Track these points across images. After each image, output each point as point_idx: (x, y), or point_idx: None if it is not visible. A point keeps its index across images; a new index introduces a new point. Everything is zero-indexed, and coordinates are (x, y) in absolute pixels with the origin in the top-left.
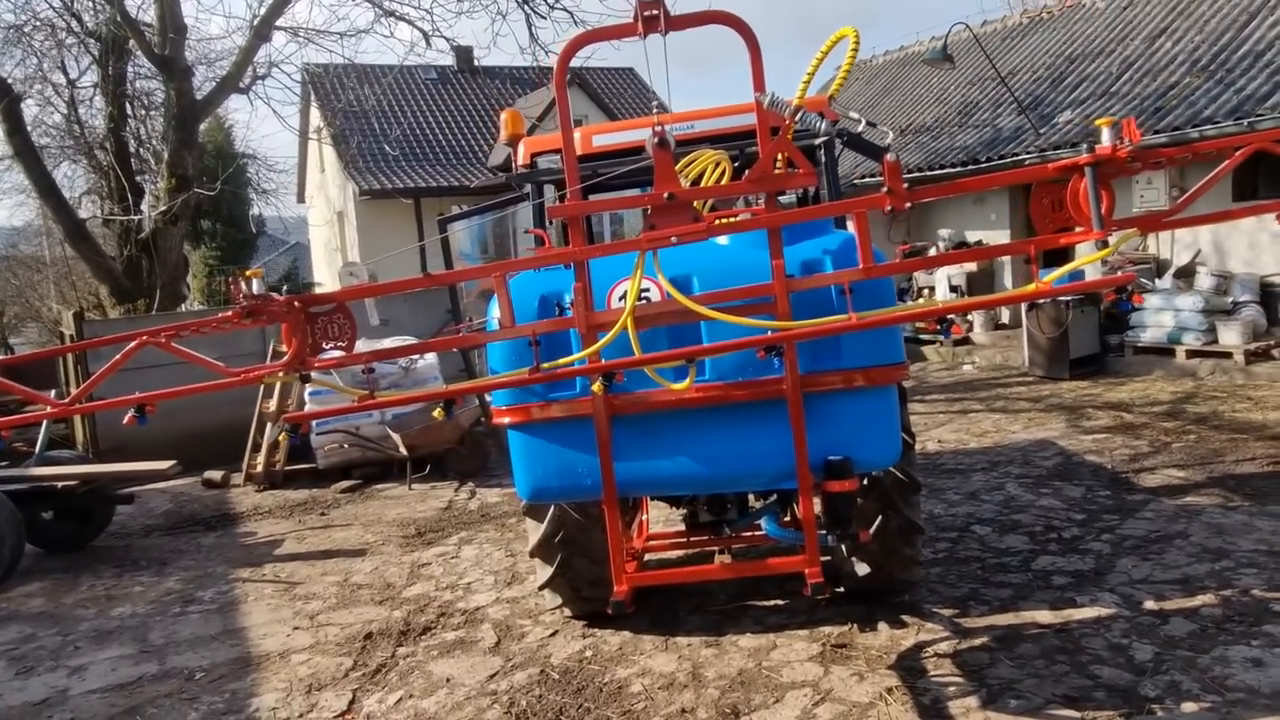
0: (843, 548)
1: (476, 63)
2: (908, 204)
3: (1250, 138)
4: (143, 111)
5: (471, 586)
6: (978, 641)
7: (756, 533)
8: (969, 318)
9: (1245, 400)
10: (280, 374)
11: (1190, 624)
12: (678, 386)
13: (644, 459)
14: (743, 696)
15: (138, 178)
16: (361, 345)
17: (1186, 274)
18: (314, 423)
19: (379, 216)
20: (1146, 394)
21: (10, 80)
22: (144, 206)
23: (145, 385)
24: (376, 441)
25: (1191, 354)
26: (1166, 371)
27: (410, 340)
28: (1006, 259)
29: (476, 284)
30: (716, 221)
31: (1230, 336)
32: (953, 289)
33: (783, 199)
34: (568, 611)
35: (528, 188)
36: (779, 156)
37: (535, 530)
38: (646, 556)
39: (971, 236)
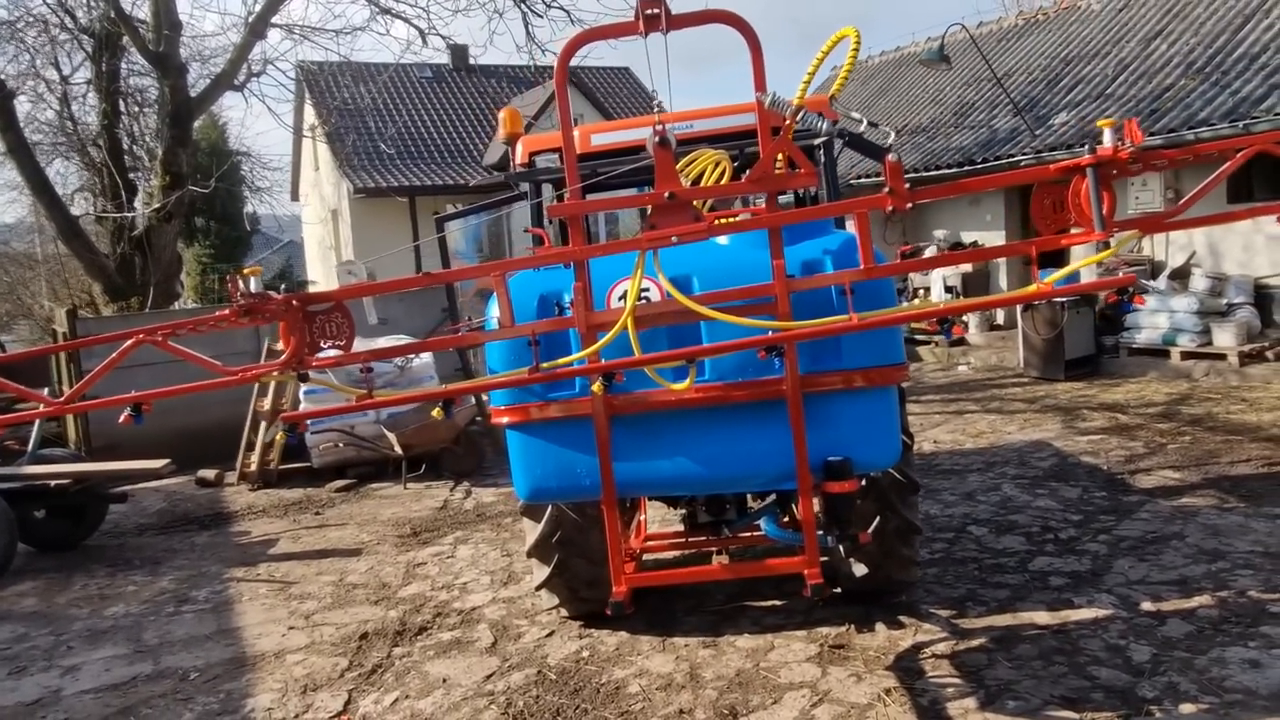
0: (841, 548)
1: (472, 61)
2: (909, 204)
3: (1251, 139)
4: (136, 108)
5: (467, 586)
6: (975, 642)
7: (755, 533)
8: (964, 318)
9: (1240, 402)
10: (279, 373)
11: (1187, 625)
12: (678, 387)
13: (643, 459)
14: (741, 697)
15: (131, 175)
16: (357, 344)
17: (1181, 276)
18: (309, 421)
19: (373, 215)
20: (1141, 395)
21: (3, 76)
22: (137, 203)
23: (138, 384)
24: (372, 441)
25: (1186, 355)
26: (1161, 373)
27: (405, 339)
28: (1001, 260)
29: (473, 283)
30: (717, 221)
31: (1225, 338)
32: (948, 289)
33: (781, 199)
34: (564, 612)
35: (525, 186)
36: (779, 156)
37: (532, 530)
38: (644, 557)
39: (967, 237)
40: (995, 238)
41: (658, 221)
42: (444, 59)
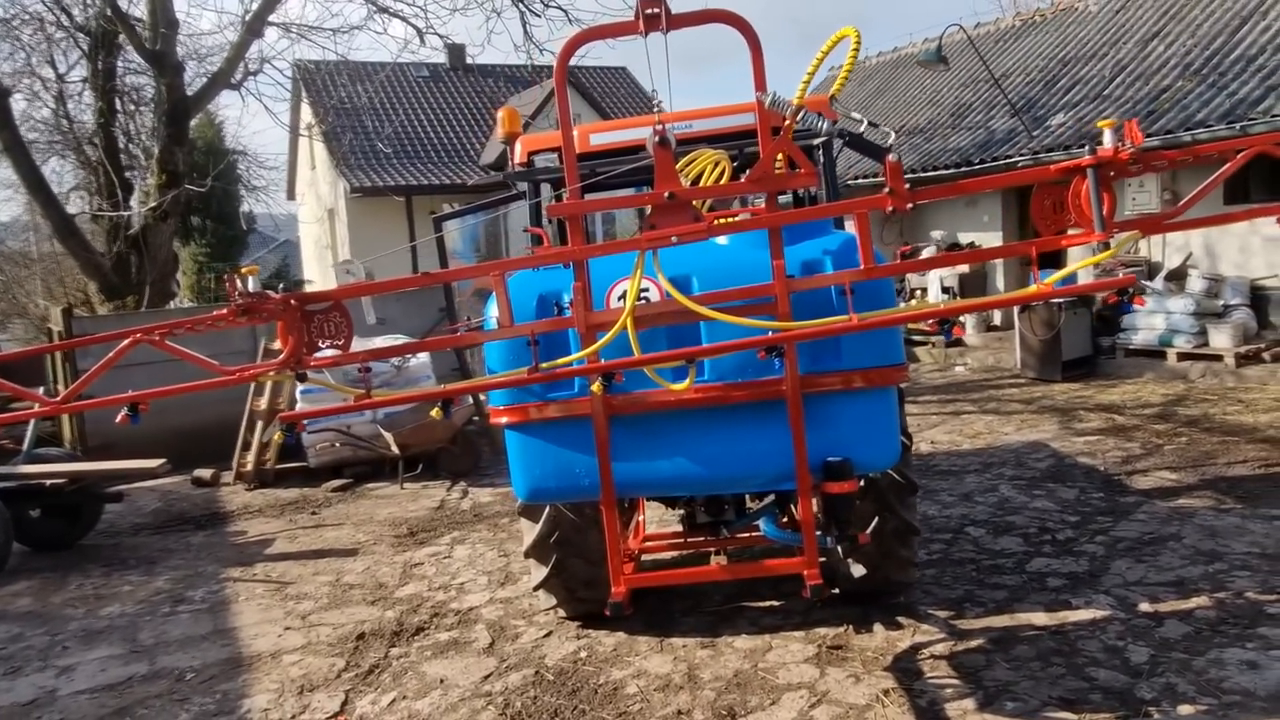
0: (839, 549)
1: (469, 61)
2: (910, 205)
3: (1251, 140)
4: (132, 107)
5: (465, 587)
6: (974, 643)
7: (753, 534)
8: (961, 319)
9: (1236, 403)
10: (277, 373)
11: (1185, 626)
12: (677, 387)
13: (642, 460)
14: (739, 698)
15: (127, 173)
16: (354, 344)
17: (1178, 277)
18: (306, 421)
19: (370, 214)
20: (1138, 396)
21: None
22: (133, 202)
23: (134, 383)
24: (368, 440)
25: (1183, 356)
26: (1158, 374)
27: (402, 339)
28: (998, 261)
29: (471, 283)
30: (717, 221)
31: (1221, 339)
32: (945, 290)
33: (780, 199)
34: (562, 612)
35: (523, 185)
36: (779, 156)
37: (530, 531)
38: (643, 557)
39: (964, 238)
40: (992, 239)
41: (657, 221)
42: (441, 58)
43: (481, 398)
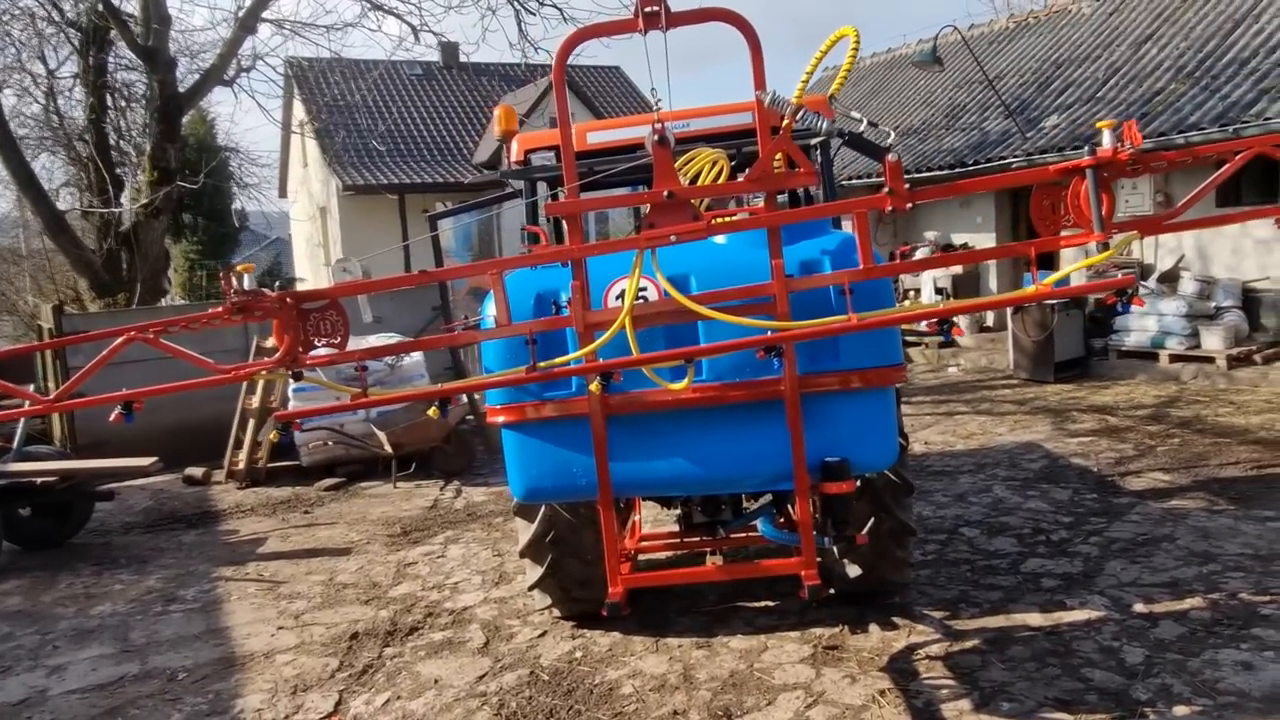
0: (835, 550)
1: (463, 59)
2: (909, 205)
3: (1250, 142)
4: (123, 103)
5: (459, 586)
6: (969, 644)
7: (750, 534)
8: (955, 320)
9: (1228, 404)
10: (273, 371)
11: (1180, 627)
12: (675, 386)
13: (640, 459)
14: (735, 699)
15: (118, 170)
16: (349, 343)
17: (1170, 279)
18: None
19: (363, 212)
20: (1130, 397)
21: None
22: (124, 199)
23: (125, 380)
24: (361, 439)
25: (1175, 358)
26: (1150, 375)
27: (395, 337)
28: (991, 262)
29: (465, 281)
30: (716, 220)
31: (1213, 341)
32: (938, 291)
33: (778, 198)
34: (557, 612)
35: (519, 184)
36: (778, 155)
37: (525, 530)
38: (639, 557)
39: (958, 239)
40: (985, 240)
41: (656, 220)
42: (434, 56)
43: (476, 396)
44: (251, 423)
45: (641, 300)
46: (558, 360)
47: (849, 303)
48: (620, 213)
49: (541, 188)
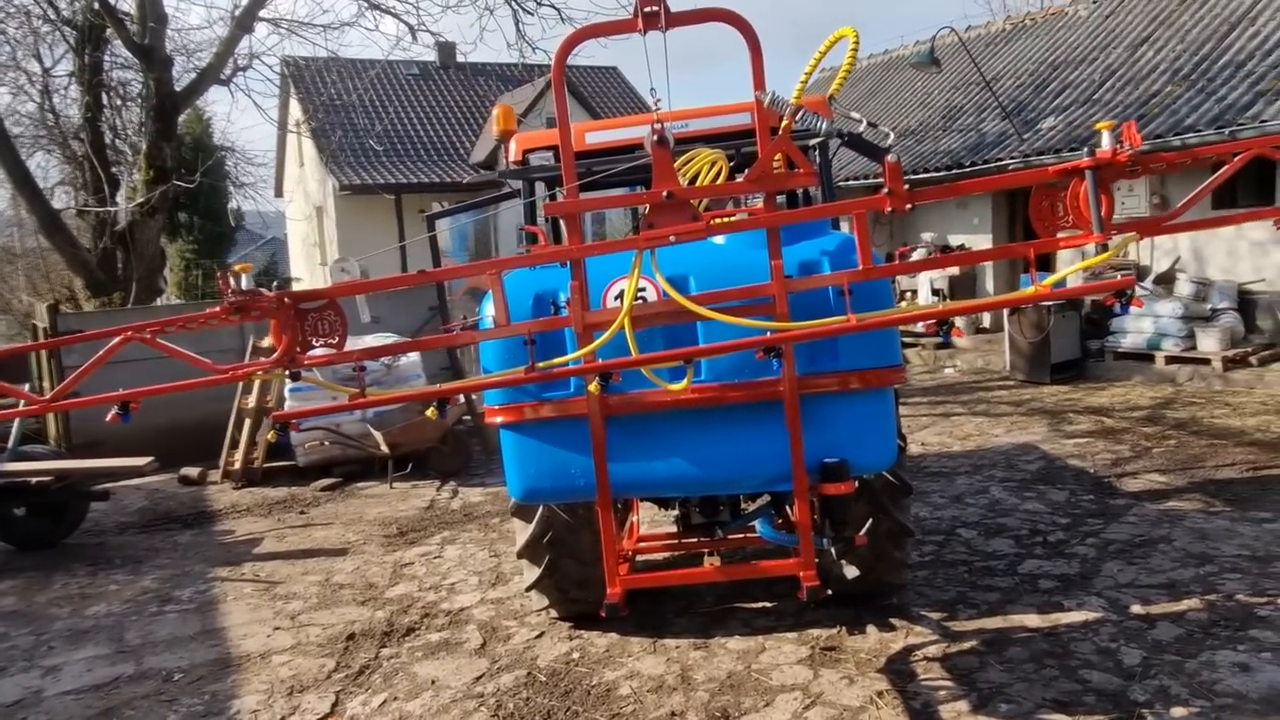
0: (833, 551)
1: (459, 59)
2: (909, 205)
3: (1250, 143)
4: (119, 102)
5: (455, 587)
6: (966, 645)
7: (747, 535)
8: (955, 321)
9: (1223, 406)
10: (271, 371)
11: (1177, 628)
12: (675, 387)
13: (639, 460)
14: (733, 699)
15: (113, 169)
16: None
17: (1166, 281)
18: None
19: (359, 212)
20: (1126, 399)
21: None
22: (119, 198)
23: (119, 380)
24: (357, 439)
25: (1171, 360)
26: (1146, 377)
27: (391, 337)
28: (987, 263)
29: (462, 282)
30: (715, 221)
31: (1209, 343)
32: (935, 293)
33: (777, 199)
34: (554, 613)
35: (517, 183)
36: (777, 156)
37: (523, 531)
38: (636, 558)
39: (954, 241)
40: (982, 241)
41: (655, 220)
42: (431, 56)
43: (474, 397)
44: (247, 422)
45: (640, 301)
46: (556, 361)
47: (848, 303)
48: (617, 213)
49: (540, 188)
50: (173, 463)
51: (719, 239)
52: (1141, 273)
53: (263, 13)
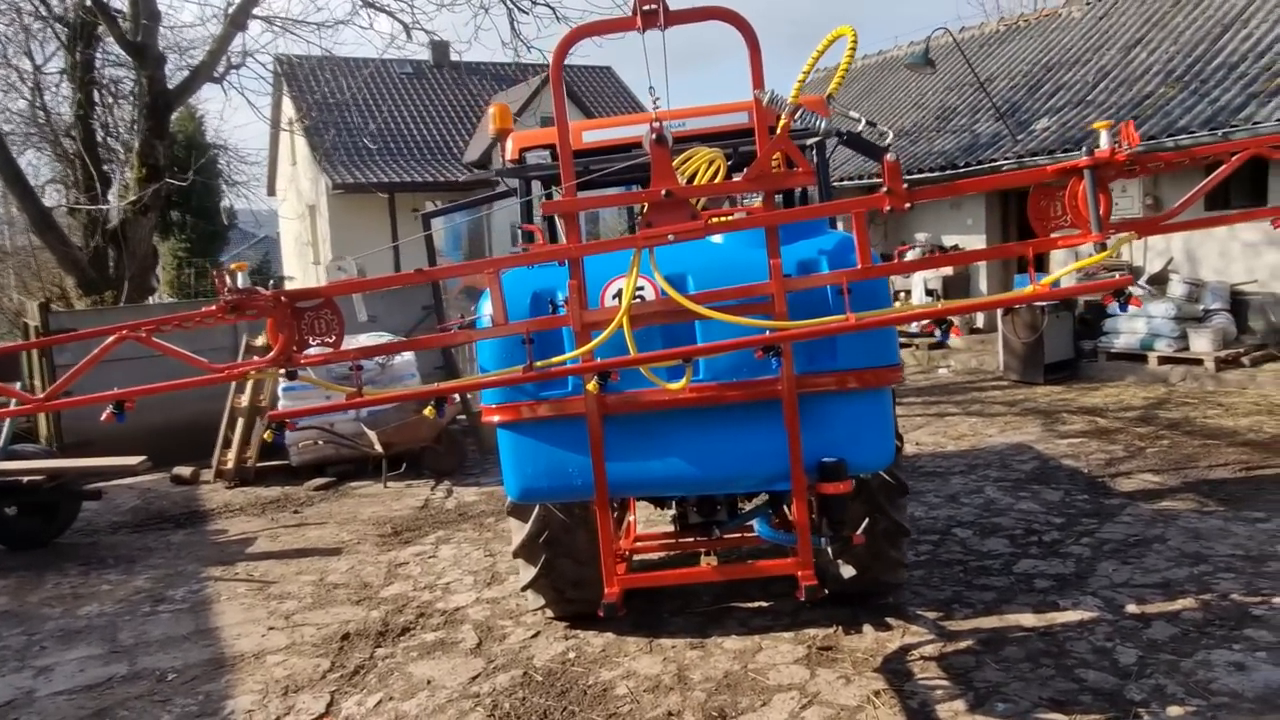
0: (830, 550)
1: (454, 57)
2: (908, 205)
3: (1247, 143)
4: (111, 99)
5: (450, 586)
6: (963, 644)
7: (745, 534)
8: (953, 320)
9: (1216, 406)
10: (267, 370)
11: (1172, 628)
12: (673, 386)
13: (637, 459)
14: (730, 699)
15: (105, 167)
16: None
17: (1159, 281)
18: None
19: (352, 211)
20: (1120, 399)
21: None
22: (111, 196)
23: (111, 379)
24: (351, 438)
25: (1163, 360)
26: (1139, 377)
27: (385, 336)
28: (981, 263)
29: (458, 280)
30: (714, 220)
31: (1201, 344)
32: (929, 293)
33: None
34: (550, 613)
35: (513, 182)
36: (775, 155)
37: (519, 530)
38: (633, 558)
39: (948, 241)
40: (976, 241)
41: (654, 219)
42: (425, 55)
43: (469, 396)
44: (240, 421)
45: (639, 300)
46: (554, 360)
47: (847, 302)
48: (612, 213)
49: (536, 186)
50: (165, 462)
51: (717, 238)
52: (1135, 273)
53: (256, 10)
